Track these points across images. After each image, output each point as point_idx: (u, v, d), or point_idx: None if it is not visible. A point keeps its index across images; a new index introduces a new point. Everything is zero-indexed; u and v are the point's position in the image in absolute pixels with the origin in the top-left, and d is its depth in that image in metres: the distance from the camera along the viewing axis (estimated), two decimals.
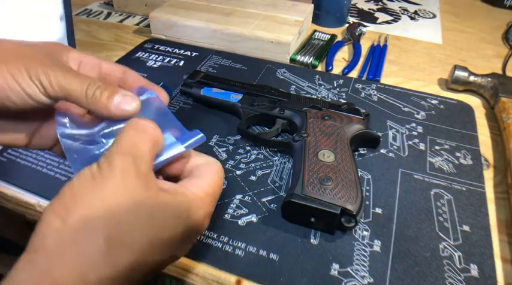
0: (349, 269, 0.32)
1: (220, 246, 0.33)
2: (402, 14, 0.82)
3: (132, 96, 0.26)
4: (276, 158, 0.43)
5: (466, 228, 0.36)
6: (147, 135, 0.23)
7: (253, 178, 0.40)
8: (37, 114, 0.28)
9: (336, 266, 0.32)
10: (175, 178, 0.27)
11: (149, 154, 0.23)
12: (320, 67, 0.61)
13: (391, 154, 0.43)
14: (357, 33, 0.68)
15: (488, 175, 0.42)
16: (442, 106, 0.51)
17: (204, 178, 0.25)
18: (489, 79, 0.53)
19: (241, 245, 0.33)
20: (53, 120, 0.27)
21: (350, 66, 0.59)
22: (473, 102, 0.53)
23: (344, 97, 0.52)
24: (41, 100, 0.24)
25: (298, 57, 0.61)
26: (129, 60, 0.60)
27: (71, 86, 0.24)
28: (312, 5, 0.70)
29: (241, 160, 0.42)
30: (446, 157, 0.43)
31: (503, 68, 0.63)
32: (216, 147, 0.44)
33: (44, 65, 0.24)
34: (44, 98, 0.24)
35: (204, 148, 0.43)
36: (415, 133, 0.46)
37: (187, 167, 0.26)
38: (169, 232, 0.22)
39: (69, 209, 0.20)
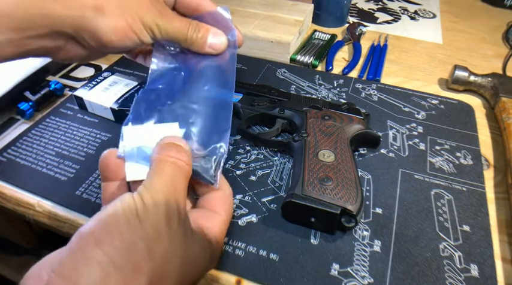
0: (349, 269, 0.32)
1: None
2: (402, 13, 0.81)
3: (221, 33, 0.34)
4: (276, 158, 0.43)
5: (466, 228, 0.35)
6: (183, 172, 0.24)
7: (253, 178, 0.40)
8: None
9: (336, 266, 0.32)
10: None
11: (185, 191, 0.24)
12: (320, 67, 0.61)
13: (391, 154, 0.43)
14: (357, 33, 0.68)
15: (489, 175, 0.42)
16: (442, 106, 0.51)
17: (221, 215, 0.27)
18: (489, 79, 0.53)
19: (241, 245, 0.33)
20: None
21: (350, 66, 0.59)
22: (474, 102, 0.53)
23: (344, 97, 0.52)
24: (149, 43, 0.31)
25: (298, 57, 0.61)
26: (129, 60, 0.60)
27: (175, 33, 0.31)
28: (312, 5, 0.70)
29: (241, 160, 0.42)
30: (446, 157, 0.43)
31: (504, 68, 0.63)
32: None
33: (153, 13, 0.30)
34: (151, 42, 0.31)
35: None
36: (415, 133, 0.46)
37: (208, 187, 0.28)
38: (195, 273, 0.23)
39: (115, 244, 0.19)
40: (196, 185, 0.28)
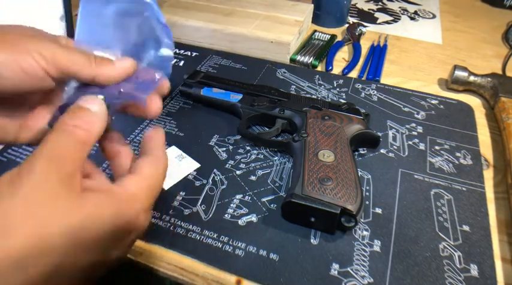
0: (349, 269, 0.32)
1: (220, 246, 0.33)
2: (402, 14, 0.82)
3: (126, 57, 0.28)
4: (276, 158, 0.43)
5: (466, 228, 0.36)
6: (74, 138, 0.22)
7: (253, 178, 0.40)
8: (25, 104, 0.28)
9: (336, 266, 0.32)
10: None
11: (76, 157, 0.22)
12: (320, 67, 0.61)
13: (391, 154, 0.43)
14: (356, 33, 0.68)
15: (488, 175, 0.42)
16: (442, 106, 0.51)
17: (141, 174, 0.25)
18: (489, 79, 0.53)
19: (241, 245, 0.33)
20: (39, 110, 0.28)
21: (350, 66, 0.59)
22: (473, 102, 0.54)
23: (344, 97, 0.52)
24: (40, 75, 0.24)
25: (298, 57, 0.61)
26: None
27: (74, 56, 0.25)
28: (312, 5, 0.70)
29: (241, 160, 0.42)
30: (446, 157, 0.43)
31: (503, 68, 0.63)
32: (216, 147, 0.44)
33: (43, 40, 0.24)
34: (43, 73, 0.24)
35: (204, 148, 0.43)
36: (415, 133, 0.46)
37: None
38: (92, 231, 0.21)
39: None
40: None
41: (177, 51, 0.62)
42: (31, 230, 0.19)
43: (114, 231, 0.22)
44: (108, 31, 0.29)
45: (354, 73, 0.60)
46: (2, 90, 0.23)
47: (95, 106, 0.24)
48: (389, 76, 0.59)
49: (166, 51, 0.29)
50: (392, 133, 0.46)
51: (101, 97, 0.26)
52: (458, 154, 0.44)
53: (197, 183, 0.39)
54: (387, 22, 0.78)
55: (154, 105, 0.28)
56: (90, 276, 0.22)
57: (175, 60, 0.60)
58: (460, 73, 0.54)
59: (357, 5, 0.85)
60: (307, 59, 0.60)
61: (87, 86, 0.27)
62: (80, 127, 0.23)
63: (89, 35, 0.28)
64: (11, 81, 0.23)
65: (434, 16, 0.81)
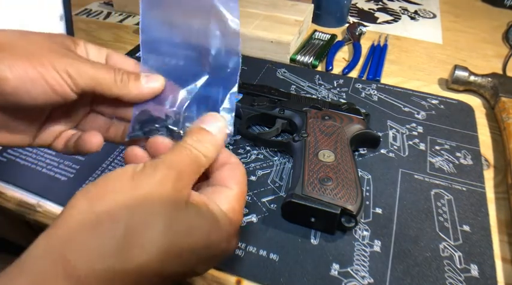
0: (349, 269, 0.32)
1: None
2: (402, 13, 0.81)
3: (155, 74, 0.27)
4: (276, 158, 0.43)
5: (466, 228, 0.35)
6: (197, 162, 0.24)
7: (253, 178, 0.40)
8: (45, 110, 0.28)
9: (336, 266, 0.32)
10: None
11: (192, 177, 0.23)
12: (320, 67, 0.61)
13: (391, 154, 0.43)
14: (357, 33, 0.68)
15: (489, 175, 0.42)
16: (442, 106, 0.51)
17: (232, 190, 0.25)
18: (489, 79, 0.53)
19: (241, 245, 0.33)
20: (60, 115, 0.28)
21: (350, 66, 0.59)
22: (474, 102, 0.53)
23: (344, 97, 0.52)
24: (66, 93, 0.24)
25: (298, 57, 0.61)
26: None
27: (100, 74, 0.25)
28: (312, 5, 0.70)
29: (241, 160, 0.42)
30: (446, 157, 0.43)
31: (504, 68, 0.63)
32: None
33: (69, 57, 0.24)
34: (69, 91, 0.24)
35: None
36: (415, 133, 0.46)
37: (218, 163, 0.26)
38: (189, 244, 0.21)
39: (100, 196, 0.20)
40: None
41: None
42: (135, 225, 0.20)
43: (207, 248, 0.22)
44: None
45: (354, 73, 0.59)
46: (27, 103, 0.23)
47: (214, 127, 0.25)
48: (389, 76, 0.59)
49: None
50: (393, 133, 0.46)
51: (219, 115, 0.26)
52: (458, 154, 0.44)
53: None
54: (387, 22, 0.78)
55: None
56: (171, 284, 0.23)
57: None
58: (460, 73, 0.54)
59: (357, 5, 0.85)
60: (307, 59, 0.60)
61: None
62: (202, 153, 0.24)
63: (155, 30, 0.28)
64: (36, 96, 0.23)
65: (434, 16, 0.81)
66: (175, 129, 0.27)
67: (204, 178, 0.27)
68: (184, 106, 0.28)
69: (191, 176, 0.23)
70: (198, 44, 0.28)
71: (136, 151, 0.27)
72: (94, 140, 0.27)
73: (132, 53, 0.62)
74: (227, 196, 0.25)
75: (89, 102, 0.29)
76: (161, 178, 0.21)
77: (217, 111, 0.27)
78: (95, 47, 0.28)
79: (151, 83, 0.27)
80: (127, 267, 0.19)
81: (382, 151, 0.44)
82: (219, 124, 0.26)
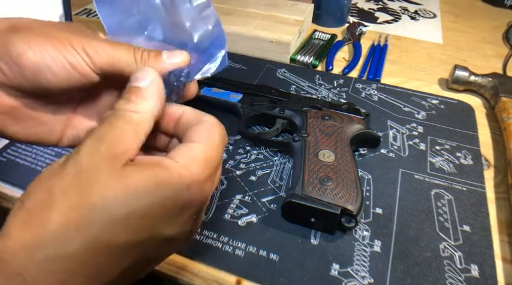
0: (349, 269, 0.32)
1: (220, 246, 0.33)
2: (402, 13, 0.81)
3: (177, 50, 0.26)
4: (276, 158, 0.43)
5: (466, 228, 0.35)
6: (125, 120, 0.22)
7: (253, 178, 0.40)
8: (70, 103, 0.27)
9: (336, 266, 0.32)
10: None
11: (127, 139, 0.21)
12: (320, 67, 0.61)
13: (391, 154, 0.43)
14: (357, 33, 0.68)
15: (489, 175, 0.42)
16: (442, 106, 0.51)
17: (196, 143, 0.23)
18: (489, 79, 0.53)
19: (241, 245, 0.33)
20: (86, 109, 0.27)
21: (350, 66, 0.59)
22: (474, 102, 0.53)
23: (344, 97, 0.52)
24: (86, 71, 0.23)
25: (299, 57, 0.61)
26: None
27: (118, 52, 0.24)
28: (312, 5, 0.70)
29: (241, 160, 0.42)
30: (446, 157, 0.43)
31: (504, 68, 0.63)
32: None
33: (86, 37, 0.23)
34: (88, 69, 0.23)
35: None
36: (415, 133, 0.46)
37: (181, 127, 0.25)
38: (130, 206, 0.19)
39: (29, 193, 0.20)
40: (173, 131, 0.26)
41: None
42: (69, 204, 0.19)
43: (157, 205, 0.20)
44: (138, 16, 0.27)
45: (354, 73, 0.59)
46: (51, 85, 0.23)
47: (146, 81, 0.24)
48: (389, 76, 0.59)
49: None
50: (393, 133, 0.46)
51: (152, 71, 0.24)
52: (458, 154, 0.44)
53: None
54: (387, 22, 0.78)
55: (193, 86, 0.27)
56: (140, 259, 0.21)
57: None
58: (460, 73, 0.54)
59: (357, 5, 0.85)
60: (307, 59, 0.60)
61: None
62: (131, 110, 0.22)
63: (119, 25, 0.27)
64: (59, 76, 0.23)
65: (434, 16, 0.81)
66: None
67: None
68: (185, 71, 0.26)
69: (127, 139, 0.21)
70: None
71: None
72: None
73: None
74: (189, 149, 0.23)
75: (116, 94, 0.28)
76: (85, 153, 0.20)
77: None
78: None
79: (174, 59, 0.25)
80: (69, 248, 0.18)
81: (382, 151, 0.44)
82: (148, 76, 0.24)
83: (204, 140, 0.23)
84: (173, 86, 0.25)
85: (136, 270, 0.21)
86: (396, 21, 0.78)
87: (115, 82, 0.27)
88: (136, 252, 0.20)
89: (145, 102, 0.23)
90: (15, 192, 0.38)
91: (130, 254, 0.20)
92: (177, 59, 0.25)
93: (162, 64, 0.25)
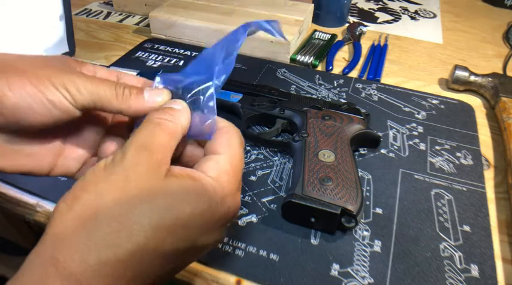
0: (349, 270, 0.32)
1: (220, 246, 0.33)
2: (402, 13, 0.81)
3: (158, 88, 0.26)
4: (276, 158, 0.43)
5: (466, 228, 0.35)
6: (163, 128, 0.23)
7: (253, 178, 0.40)
8: (59, 134, 0.27)
9: (336, 266, 0.32)
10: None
11: (165, 147, 0.23)
12: (320, 67, 0.61)
13: (391, 154, 0.43)
14: (357, 33, 0.68)
15: (489, 175, 0.42)
16: (442, 106, 0.51)
17: (221, 154, 0.24)
18: (490, 79, 0.53)
19: (241, 245, 0.33)
20: (76, 138, 0.28)
21: (350, 66, 0.59)
22: (474, 102, 0.53)
23: (344, 97, 0.52)
24: (67, 108, 0.23)
25: (299, 57, 0.61)
26: (128, 60, 0.60)
27: (99, 89, 0.24)
28: (312, 5, 0.69)
29: None
30: (446, 157, 0.43)
31: (504, 68, 0.63)
32: None
33: (67, 73, 0.23)
34: (70, 106, 0.23)
35: None
36: (415, 133, 0.46)
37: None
38: (177, 216, 0.21)
39: (77, 197, 0.20)
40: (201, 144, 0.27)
41: (177, 51, 0.62)
42: (119, 211, 0.20)
43: (198, 216, 0.21)
44: None
45: (354, 73, 0.59)
46: (32, 123, 0.23)
47: (177, 105, 0.25)
48: (389, 76, 0.59)
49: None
50: (393, 133, 0.46)
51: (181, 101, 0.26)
52: (458, 154, 0.44)
53: None
54: (388, 21, 0.77)
55: None
56: (177, 265, 0.22)
57: (174, 59, 0.60)
58: (460, 73, 0.54)
59: (357, 5, 0.85)
60: (307, 59, 0.60)
61: None
62: (166, 119, 0.24)
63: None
64: (39, 114, 0.23)
65: (434, 16, 0.81)
66: None
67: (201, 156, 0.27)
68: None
69: (165, 147, 0.23)
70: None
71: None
72: (111, 148, 0.27)
73: (132, 53, 0.62)
74: (216, 162, 0.24)
75: (102, 121, 0.29)
76: (132, 160, 0.21)
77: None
78: (104, 68, 0.28)
79: (154, 97, 0.26)
80: (119, 253, 0.19)
81: (382, 151, 0.44)
82: (180, 101, 0.26)
83: (227, 150, 0.25)
84: None
85: (169, 274, 0.22)
86: (396, 21, 0.78)
87: (100, 115, 0.28)
88: (175, 260, 0.22)
89: (179, 113, 0.25)
90: (15, 192, 0.38)
91: (170, 261, 0.21)
92: (157, 98, 0.26)
93: (142, 103, 0.25)
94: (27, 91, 0.22)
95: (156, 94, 0.26)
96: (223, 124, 0.26)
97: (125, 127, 0.29)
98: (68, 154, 0.28)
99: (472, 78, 0.54)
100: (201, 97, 0.26)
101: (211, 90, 0.26)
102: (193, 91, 0.27)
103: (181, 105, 0.25)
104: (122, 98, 0.25)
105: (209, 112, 0.26)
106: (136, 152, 0.21)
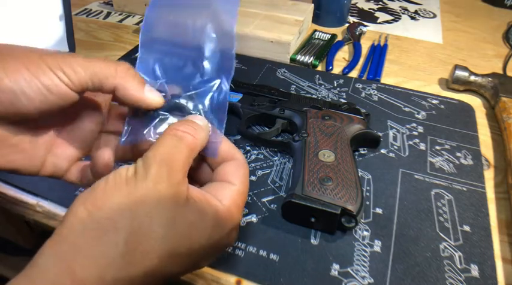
0: (349, 270, 0.32)
1: None
2: (402, 13, 0.81)
3: (157, 92, 0.27)
4: (276, 158, 0.43)
5: (466, 228, 0.35)
6: (185, 143, 0.23)
7: (253, 178, 0.40)
8: (51, 127, 0.27)
9: (336, 266, 0.32)
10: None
11: (185, 163, 0.23)
12: (320, 67, 0.61)
13: (391, 154, 0.43)
14: (357, 33, 0.68)
15: (489, 175, 0.42)
16: (442, 106, 0.51)
17: (235, 185, 0.25)
18: (490, 79, 0.53)
19: (241, 245, 0.33)
20: (68, 134, 0.27)
21: (350, 66, 0.59)
22: (474, 101, 0.53)
23: (344, 97, 0.52)
24: (64, 92, 0.23)
25: (299, 57, 0.61)
26: (128, 60, 0.59)
27: (96, 66, 0.23)
28: (312, 5, 0.69)
29: None
30: (446, 157, 0.43)
31: (504, 68, 0.63)
32: None
33: (63, 56, 0.23)
34: (66, 89, 0.23)
35: None
36: (415, 133, 0.46)
37: (222, 157, 0.27)
38: (191, 244, 0.22)
39: (98, 204, 0.20)
40: (208, 161, 0.28)
41: None
42: (138, 230, 0.20)
43: (209, 247, 0.23)
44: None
45: (354, 73, 0.59)
46: (27, 110, 0.23)
47: (199, 121, 0.26)
48: (389, 76, 0.59)
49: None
50: (393, 133, 0.46)
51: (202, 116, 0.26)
52: (458, 154, 0.44)
53: None
54: (388, 21, 0.77)
55: None
56: (173, 277, 0.23)
57: None
58: (460, 73, 0.54)
59: (357, 5, 0.85)
60: (307, 59, 0.60)
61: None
62: (189, 133, 0.24)
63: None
64: (34, 100, 0.22)
65: (434, 16, 0.81)
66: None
67: (208, 174, 0.27)
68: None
69: (185, 164, 0.23)
70: (195, 44, 0.28)
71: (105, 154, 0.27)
72: (106, 154, 0.27)
73: (132, 53, 0.62)
74: (230, 191, 0.25)
75: (97, 121, 0.28)
76: (155, 177, 0.21)
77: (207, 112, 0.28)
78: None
79: (154, 94, 0.26)
80: (132, 273, 0.19)
81: (382, 151, 0.44)
82: (202, 118, 0.26)
83: (240, 182, 0.25)
84: None
85: None
86: (396, 21, 0.78)
87: (94, 108, 0.28)
88: (175, 277, 0.23)
89: (200, 129, 0.25)
90: (15, 192, 0.38)
91: (171, 278, 0.22)
92: (155, 96, 0.26)
93: (141, 92, 0.25)
94: (23, 76, 0.22)
95: (156, 93, 0.26)
96: (240, 156, 0.27)
97: (118, 124, 0.28)
98: (59, 153, 0.28)
99: (472, 78, 0.54)
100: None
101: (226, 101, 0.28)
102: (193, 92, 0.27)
103: (202, 122, 0.26)
104: (120, 75, 0.24)
105: (218, 132, 0.27)
106: (159, 167, 0.21)
